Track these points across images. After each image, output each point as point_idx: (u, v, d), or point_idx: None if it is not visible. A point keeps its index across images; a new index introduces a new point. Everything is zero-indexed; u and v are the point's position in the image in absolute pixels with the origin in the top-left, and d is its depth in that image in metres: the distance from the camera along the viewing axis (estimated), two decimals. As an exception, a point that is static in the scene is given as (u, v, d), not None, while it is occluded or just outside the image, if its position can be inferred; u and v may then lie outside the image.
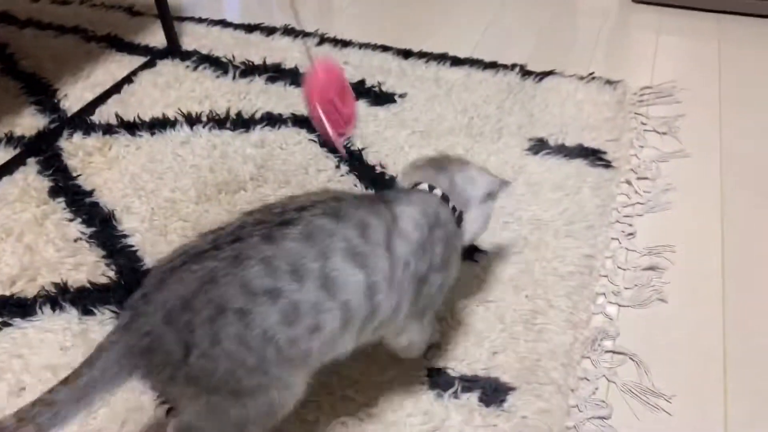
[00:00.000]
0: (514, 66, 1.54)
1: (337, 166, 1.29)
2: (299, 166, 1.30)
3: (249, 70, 1.58)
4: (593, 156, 1.26)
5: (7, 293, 1.05)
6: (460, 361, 0.90)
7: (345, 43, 1.68)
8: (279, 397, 0.69)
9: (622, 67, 1.56)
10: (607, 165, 1.24)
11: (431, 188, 0.80)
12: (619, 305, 0.99)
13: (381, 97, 1.48)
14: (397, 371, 0.90)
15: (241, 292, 0.64)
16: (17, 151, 1.36)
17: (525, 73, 1.52)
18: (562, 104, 1.41)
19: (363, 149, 1.33)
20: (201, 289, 0.65)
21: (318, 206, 0.70)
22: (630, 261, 1.07)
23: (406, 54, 1.63)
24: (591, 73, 1.50)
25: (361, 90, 1.50)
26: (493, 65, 1.56)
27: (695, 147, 1.30)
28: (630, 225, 1.13)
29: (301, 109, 1.44)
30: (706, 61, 1.56)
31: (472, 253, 1.07)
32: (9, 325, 1.00)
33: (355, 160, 1.30)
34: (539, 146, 1.29)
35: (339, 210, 0.70)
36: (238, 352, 0.65)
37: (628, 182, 1.21)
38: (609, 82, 1.46)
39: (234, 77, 1.55)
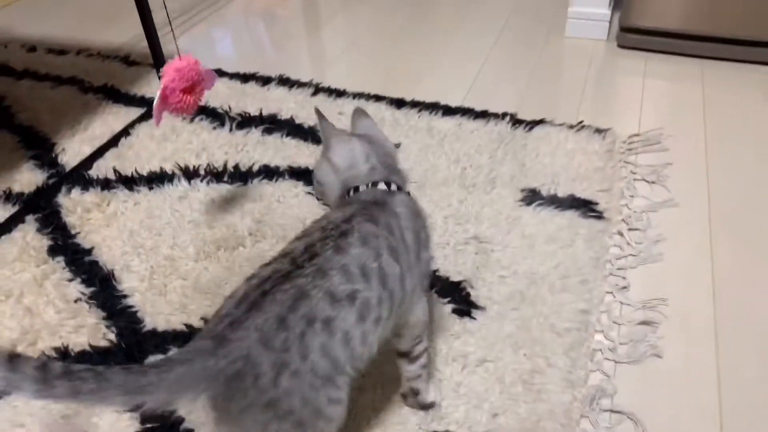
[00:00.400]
0: (504, 115, 1.57)
1: (334, 219, 1.31)
2: (297, 220, 1.31)
3: (245, 121, 1.60)
4: (585, 207, 1.29)
5: (8, 359, 1.05)
6: (461, 424, 0.91)
7: (339, 93, 1.72)
8: (335, 413, 0.75)
9: (609, 113, 1.60)
10: (599, 216, 1.27)
11: (398, 187, 0.89)
12: (616, 361, 1.01)
13: (376, 148, 1.50)
14: (399, 435, 0.91)
15: (329, 301, 0.71)
16: (16, 208, 1.37)
17: (515, 122, 1.55)
18: (553, 154, 1.44)
19: (359, 201, 1.35)
20: (294, 306, 0.70)
21: (358, 215, 0.80)
22: (624, 315, 1.09)
23: (399, 103, 1.66)
24: (580, 122, 1.53)
25: (355, 140, 1.53)
26: (483, 114, 1.59)
27: (683, 196, 1.33)
28: (623, 278, 1.15)
29: (299, 161, 1.47)
30: (691, 106, 1.60)
31: (469, 309, 1.09)
32: (9, 393, 1.00)
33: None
34: (532, 197, 1.32)
35: (372, 215, 0.80)
36: (320, 363, 0.71)
37: (620, 233, 1.24)
38: (598, 130, 1.50)
39: (231, 129, 1.58)
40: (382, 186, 0.87)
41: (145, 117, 1.64)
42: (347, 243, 0.75)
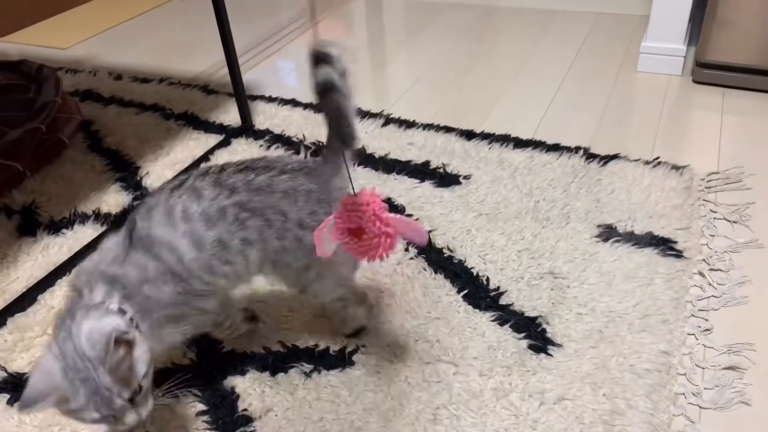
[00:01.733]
0: (578, 149, 1.57)
1: (406, 249, 1.32)
2: (369, 248, 1.33)
3: (319, 150, 1.65)
4: (664, 245, 1.26)
5: (96, 372, 1.10)
6: (541, 463, 0.90)
7: (409, 124, 1.75)
8: None
9: (686, 149, 1.56)
10: (679, 255, 1.24)
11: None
12: (700, 407, 0.98)
13: (446, 179, 1.52)
14: (476, 470, 0.90)
15: None
16: (104, 227, 1.44)
17: (589, 156, 1.54)
18: (629, 189, 1.42)
19: (431, 231, 1.36)
20: None
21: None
22: (708, 359, 1.05)
23: (469, 135, 1.68)
24: (656, 158, 1.51)
25: (426, 171, 1.55)
26: (556, 147, 1.59)
27: (768, 237, 1.28)
28: (706, 320, 1.11)
29: (370, 190, 1.49)
30: (773, 145, 1.56)
31: (546, 346, 1.07)
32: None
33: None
34: (608, 233, 1.30)
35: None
36: None
37: (701, 274, 1.20)
38: (675, 167, 1.47)
39: (305, 157, 1.62)
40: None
41: (224, 143, 1.71)
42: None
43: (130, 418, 0.82)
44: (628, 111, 1.76)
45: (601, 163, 1.51)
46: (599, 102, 1.81)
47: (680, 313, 1.12)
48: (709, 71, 1.81)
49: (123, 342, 0.81)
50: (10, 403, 1.06)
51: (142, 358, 0.83)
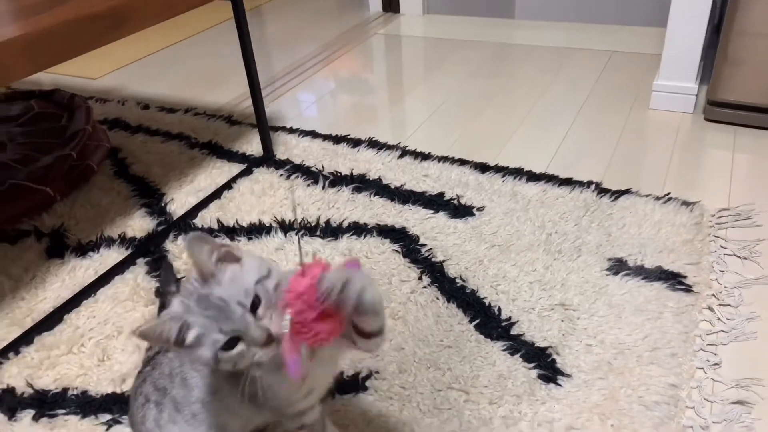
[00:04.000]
0: (590, 183, 1.60)
1: (419, 278, 1.36)
2: (383, 276, 1.37)
3: (337, 180, 1.70)
4: (673, 279, 1.28)
5: (119, 390, 1.14)
6: (549, 491, 0.91)
7: (425, 156, 1.79)
8: None
9: (697, 186, 1.59)
10: (688, 289, 1.26)
11: None
12: (708, 440, 0.99)
13: (460, 210, 1.56)
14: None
15: None
16: (129, 251, 1.49)
17: (601, 190, 1.57)
18: (640, 224, 1.44)
19: (444, 261, 1.39)
20: None
21: None
22: (716, 393, 1.06)
23: (483, 168, 1.72)
24: (667, 194, 1.54)
25: (440, 202, 1.59)
26: (568, 181, 1.62)
27: (778, 273, 1.30)
28: (715, 354, 1.13)
29: (385, 220, 1.54)
30: (784, 183, 1.58)
31: (555, 376, 1.09)
32: (119, 422, 1.08)
33: (436, 272, 1.37)
34: (619, 267, 1.32)
35: None
36: None
37: (710, 308, 1.22)
38: (686, 203, 1.49)
39: (323, 186, 1.68)
40: None
41: (246, 172, 1.77)
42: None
43: (256, 332, 0.69)
44: (639, 147, 1.79)
45: (613, 197, 1.54)
46: (611, 138, 1.84)
47: (689, 346, 1.14)
48: (720, 110, 1.85)
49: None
50: (35, 418, 1.10)
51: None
